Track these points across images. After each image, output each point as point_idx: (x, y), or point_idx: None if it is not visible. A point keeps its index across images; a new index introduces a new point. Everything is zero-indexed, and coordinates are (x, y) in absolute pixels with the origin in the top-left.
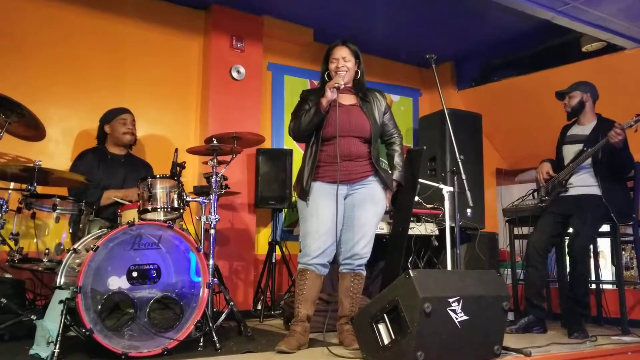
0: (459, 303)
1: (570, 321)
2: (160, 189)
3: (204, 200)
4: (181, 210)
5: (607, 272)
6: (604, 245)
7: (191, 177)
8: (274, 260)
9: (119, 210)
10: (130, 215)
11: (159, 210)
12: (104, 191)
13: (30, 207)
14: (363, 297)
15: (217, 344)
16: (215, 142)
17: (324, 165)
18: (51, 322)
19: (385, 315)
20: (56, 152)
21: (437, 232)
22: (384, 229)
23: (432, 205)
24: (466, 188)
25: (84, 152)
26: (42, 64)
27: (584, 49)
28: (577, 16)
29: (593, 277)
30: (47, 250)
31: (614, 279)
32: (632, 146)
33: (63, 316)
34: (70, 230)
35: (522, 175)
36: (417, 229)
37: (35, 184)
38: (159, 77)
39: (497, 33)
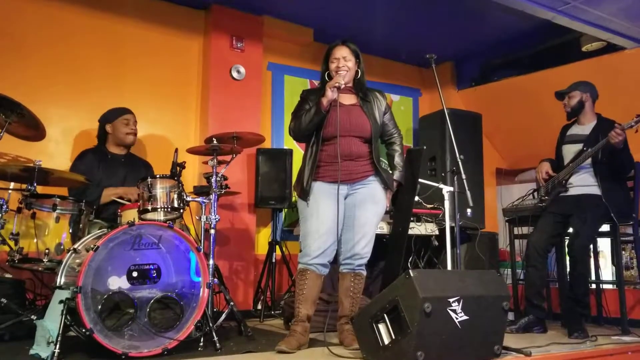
0: (459, 303)
1: (571, 321)
2: (160, 189)
3: (204, 200)
4: (181, 210)
5: (607, 272)
6: (604, 245)
7: (191, 177)
8: (274, 260)
9: (119, 211)
10: (130, 215)
11: (159, 210)
12: (103, 189)
13: (30, 207)
14: (363, 297)
15: (217, 344)
16: (215, 142)
17: (324, 165)
18: (51, 322)
19: (385, 315)
20: (56, 152)
21: (437, 232)
22: (384, 229)
23: (432, 205)
24: (466, 188)
25: (84, 152)
26: (42, 64)
27: (584, 49)
28: (577, 16)
29: (593, 277)
30: (47, 250)
31: (614, 278)
32: (632, 146)
33: (63, 316)
34: (70, 230)
35: (522, 175)
36: (417, 228)
37: (35, 184)
38: (159, 77)
39: (497, 33)
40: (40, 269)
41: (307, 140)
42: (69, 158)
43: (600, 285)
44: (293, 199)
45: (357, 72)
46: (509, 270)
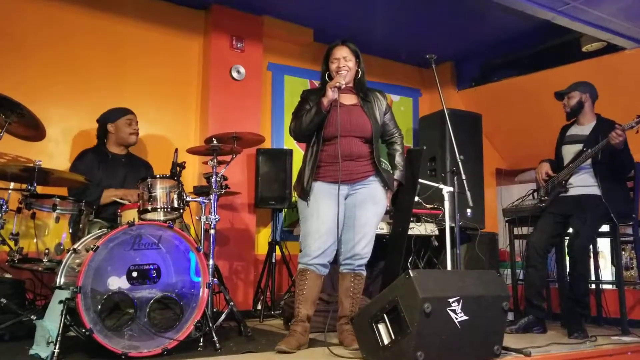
0: (458, 303)
1: (570, 321)
2: (160, 189)
3: (204, 200)
4: (181, 210)
5: (607, 272)
6: (604, 245)
7: (191, 177)
8: (274, 260)
9: (119, 211)
10: (130, 215)
11: (158, 210)
12: (103, 189)
13: (30, 207)
14: (363, 297)
15: (217, 344)
16: (215, 142)
17: (324, 165)
18: (51, 322)
19: (385, 315)
20: (56, 152)
21: (437, 232)
22: (384, 229)
23: (432, 206)
24: (466, 188)
25: (84, 152)
26: (42, 64)
27: (584, 49)
28: (577, 16)
29: (593, 277)
30: (47, 250)
31: (614, 279)
32: (632, 146)
33: (63, 316)
34: (70, 231)
35: (522, 176)
36: (417, 229)
37: (35, 184)
38: (159, 77)
39: (497, 33)
40: (40, 269)
41: (307, 140)
42: (69, 158)
43: (600, 285)
44: (293, 199)
45: (357, 72)
46: (509, 270)
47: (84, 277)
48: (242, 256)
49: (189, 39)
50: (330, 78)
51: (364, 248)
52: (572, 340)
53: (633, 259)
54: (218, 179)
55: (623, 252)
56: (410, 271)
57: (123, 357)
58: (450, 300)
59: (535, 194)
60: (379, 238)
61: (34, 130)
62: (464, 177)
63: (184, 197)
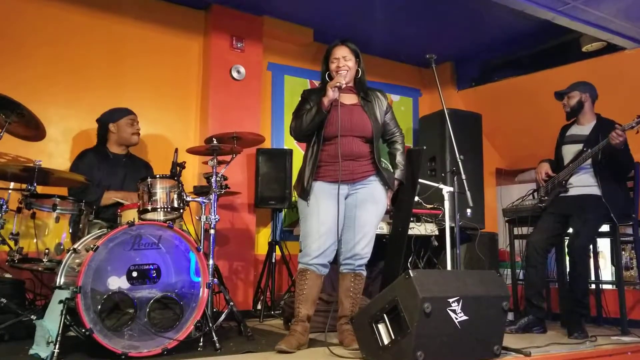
0: (458, 303)
1: (570, 321)
2: (160, 189)
3: (204, 200)
4: (181, 210)
5: (606, 272)
6: (604, 245)
7: (191, 177)
8: (273, 260)
9: (119, 211)
10: (130, 215)
11: (158, 210)
12: (104, 190)
13: (30, 207)
14: (363, 297)
15: (217, 344)
16: (215, 142)
17: (325, 165)
18: (51, 322)
19: (385, 315)
20: (56, 152)
21: (437, 232)
22: (384, 229)
23: (432, 205)
24: (466, 188)
25: (84, 152)
26: (42, 64)
27: (584, 49)
28: (577, 16)
29: (593, 277)
30: (47, 250)
31: (614, 279)
32: (632, 146)
33: (63, 316)
34: (70, 230)
35: (522, 176)
36: (417, 229)
37: (35, 184)
38: (159, 77)
39: (497, 33)
40: (40, 269)
41: (308, 140)
42: (69, 158)
43: (600, 285)
44: (293, 198)
45: (357, 71)
46: (509, 270)
47: (83, 277)
48: (242, 256)
49: (189, 38)
50: (331, 78)
51: (364, 248)
52: (572, 340)
53: (633, 259)
54: (218, 178)
55: (623, 252)
56: (410, 271)
57: (123, 357)
58: (450, 300)
59: (535, 194)
60: (379, 238)
61: (34, 130)
62: (463, 177)
63: (184, 197)
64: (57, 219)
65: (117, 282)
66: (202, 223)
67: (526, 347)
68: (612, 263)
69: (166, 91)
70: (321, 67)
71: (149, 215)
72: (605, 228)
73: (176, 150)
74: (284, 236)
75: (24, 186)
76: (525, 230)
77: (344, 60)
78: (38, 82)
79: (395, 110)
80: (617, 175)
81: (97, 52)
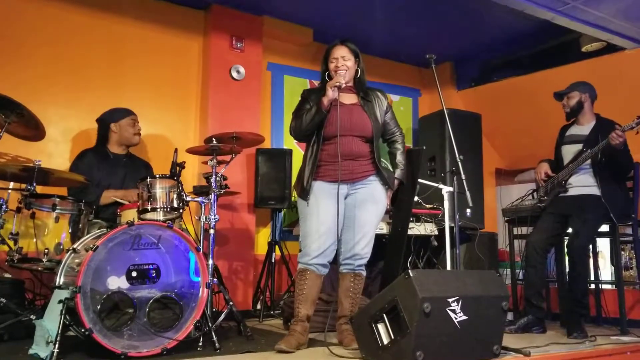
0: (458, 303)
1: (570, 321)
2: (160, 189)
3: (204, 200)
4: (181, 210)
5: (606, 272)
6: (604, 245)
7: (191, 177)
8: (273, 260)
9: (119, 210)
10: (129, 215)
11: (158, 210)
12: (103, 190)
13: (29, 206)
14: (363, 297)
15: (217, 344)
16: (214, 142)
17: (324, 165)
18: (50, 322)
19: (384, 315)
20: (56, 152)
21: (436, 232)
22: (384, 229)
23: (431, 205)
24: (466, 188)
25: (83, 152)
26: (42, 64)
27: (583, 49)
28: (577, 16)
29: (592, 277)
30: (46, 250)
31: (613, 279)
32: (632, 147)
33: (62, 316)
34: (70, 230)
35: (521, 176)
36: (416, 229)
37: (34, 184)
38: (159, 77)
39: (497, 33)
40: (39, 268)
41: (307, 139)
42: (69, 158)
43: (600, 285)
44: (293, 198)
45: (357, 71)
46: (509, 270)
47: (83, 276)
48: (241, 256)
49: (188, 38)
50: (330, 78)
51: (363, 248)
52: (572, 340)
53: (632, 259)
54: (218, 178)
55: (622, 252)
56: (409, 271)
57: (122, 356)
58: (450, 300)
59: (534, 194)
60: (378, 238)
61: (33, 130)
62: (463, 177)
63: (184, 197)
64: (57, 219)
65: (117, 282)
66: (202, 223)
67: (526, 347)
68: (612, 263)
69: (166, 91)
70: (321, 67)
71: (149, 215)
72: (604, 228)
73: (176, 150)
74: (283, 236)
75: (23, 186)
76: (524, 230)
77: (343, 60)
78: (38, 82)
79: (395, 110)
80: (616, 175)
81: (97, 52)
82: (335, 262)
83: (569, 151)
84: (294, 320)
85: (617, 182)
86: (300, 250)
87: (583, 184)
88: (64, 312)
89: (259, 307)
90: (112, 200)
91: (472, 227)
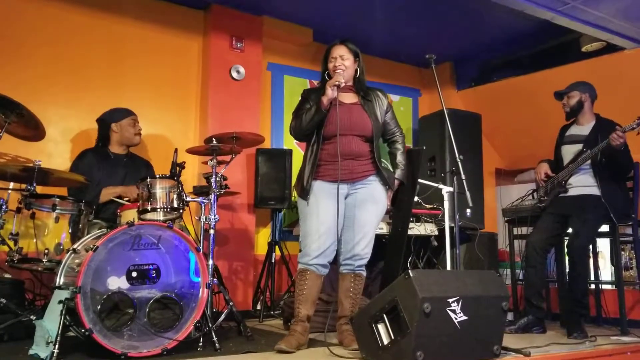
0: (458, 303)
1: (570, 321)
2: (160, 189)
3: (204, 201)
4: (181, 211)
5: (606, 272)
6: (603, 245)
7: (191, 177)
8: (273, 261)
9: (119, 211)
10: (129, 215)
11: (158, 210)
12: (102, 188)
13: (29, 207)
14: (363, 298)
15: (217, 344)
16: (214, 142)
17: (324, 164)
18: (50, 322)
19: (384, 315)
20: (56, 152)
21: (436, 232)
22: (384, 229)
23: (431, 206)
24: (465, 188)
25: (84, 152)
26: (42, 64)
27: (583, 49)
28: (577, 16)
29: (592, 278)
30: (46, 251)
31: (613, 279)
32: (632, 147)
33: (62, 316)
34: (70, 231)
35: (521, 176)
36: (416, 229)
37: (34, 184)
38: (158, 77)
39: (497, 33)
40: (39, 269)
41: (307, 139)
42: (69, 158)
43: (600, 285)
44: (293, 198)
45: (356, 70)
46: (509, 270)
47: (83, 277)
48: (241, 256)
49: (188, 39)
50: (330, 77)
51: (364, 248)
52: (572, 340)
53: (632, 259)
54: (218, 179)
55: (622, 252)
56: (409, 271)
57: (122, 357)
58: (450, 300)
59: (534, 194)
60: (378, 238)
61: (33, 130)
62: (463, 177)
63: (184, 197)
64: (57, 219)
65: (117, 282)
66: (202, 223)
67: (526, 347)
68: (612, 263)
69: (166, 91)
70: (321, 66)
71: (149, 216)
72: (604, 228)
73: (176, 150)
74: (283, 236)
75: (23, 186)
76: (524, 230)
77: (341, 59)
78: (38, 82)
79: (395, 110)
80: (616, 175)
81: (97, 52)
82: (335, 263)
83: (569, 151)
84: (294, 320)
85: (617, 182)
86: (300, 251)
87: (583, 184)
88: (64, 312)
89: (259, 307)
90: (112, 197)
91: (472, 227)
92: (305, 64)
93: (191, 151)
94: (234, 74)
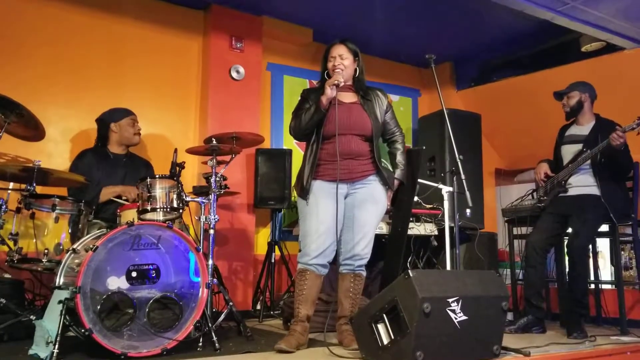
0: (458, 303)
1: (569, 321)
2: (160, 189)
3: (204, 201)
4: (180, 211)
5: (606, 272)
6: (603, 245)
7: (190, 177)
8: (273, 261)
9: (118, 211)
10: (129, 215)
11: (158, 210)
12: (102, 187)
13: (29, 207)
14: (362, 298)
15: (217, 344)
16: (214, 142)
17: (324, 164)
18: (50, 322)
19: (384, 315)
20: (55, 152)
21: (436, 232)
22: (384, 229)
23: (431, 206)
24: (465, 188)
25: (83, 152)
26: (42, 64)
27: (583, 49)
28: (577, 16)
29: (592, 277)
30: (46, 251)
31: (613, 279)
32: (632, 147)
33: (62, 316)
34: (70, 231)
35: (521, 176)
36: (416, 229)
37: (34, 184)
38: (158, 77)
39: (497, 33)
40: (39, 269)
41: (307, 139)
42: (68, 158)
43: (599, 285)
44: (293, 198)
45: (355, 70)
46: (508, 270)
47: (83, 277)
48: (241, 256)
49: (188, 39)
50: (329, 77)
51: (363, 248)
52: (571, 340)
53: (632, 259)
54: (217, 179)
55: (622, 252)
56: (409, 271)
57: (122, 357)
58: (450, 300)
59: (534, 194)
60: (378, 238)
61: (33, 130)
62: (463, 177)
63: (184, 197)
64: (57, 219)
65: (117, 282)
66: (202, 223)
67: (525, 347)
68: (612, 263)
69: (166, 91)
70: (321, 66)
71: (149, 216)
72: (604, 228)
73: (175, 150)
74: (283, 236)
75: (23, 186)
76: (524, 230)
77: (340, 58)
78: (38, 82)
79: (394, 110)
80: (616, 175)
81: (97, 52)
82: (335, 263)
83: (569, 151)
84: (294, 320)
85: (617, 182)
86: (299, 250)
87: (583, 184)
88: (63, 312)
89: (258, 307)
90: (111, 196)
91: (472, 227)
92: (305, 64)
93: (191, 151)
94: (234, 74)
